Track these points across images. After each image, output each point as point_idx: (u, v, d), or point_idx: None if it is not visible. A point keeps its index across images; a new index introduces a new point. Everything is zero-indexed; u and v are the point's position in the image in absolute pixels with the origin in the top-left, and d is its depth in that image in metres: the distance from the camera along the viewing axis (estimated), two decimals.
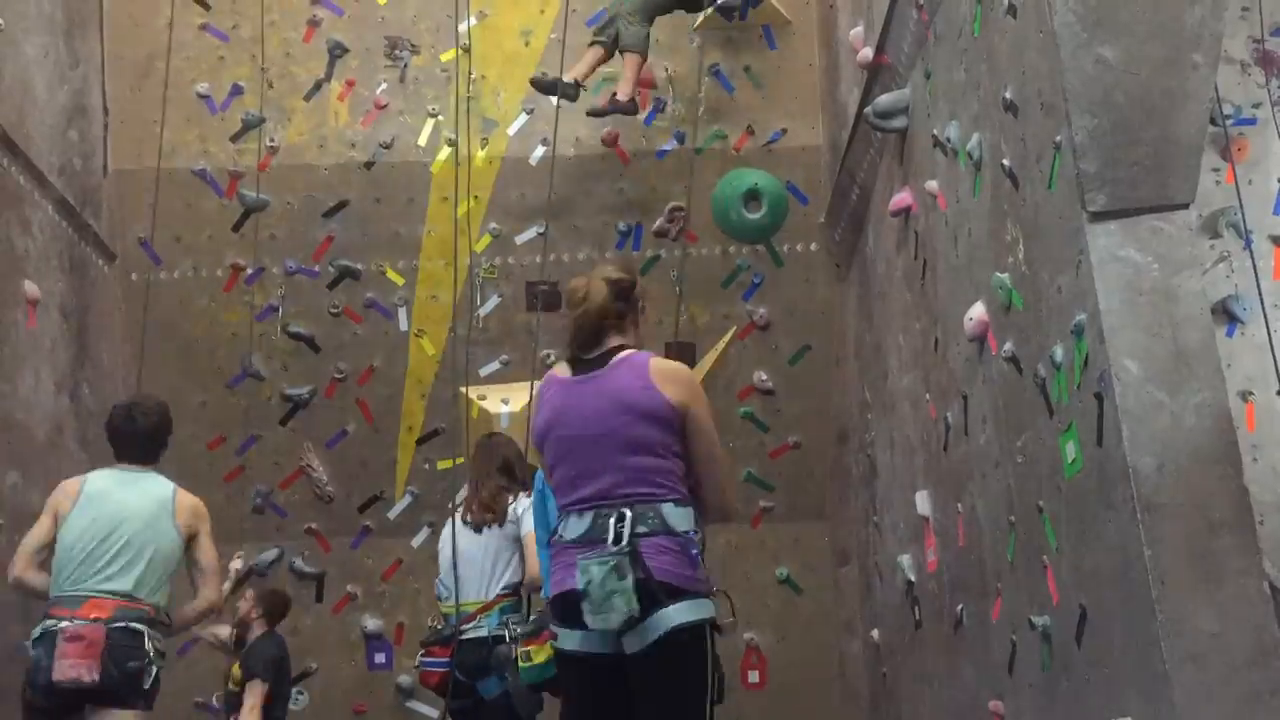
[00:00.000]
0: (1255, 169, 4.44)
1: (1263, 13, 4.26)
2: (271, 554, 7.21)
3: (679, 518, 3.25)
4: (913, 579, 5.37)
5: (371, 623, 7.25)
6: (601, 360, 3.38)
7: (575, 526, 3.29)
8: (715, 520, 3.46)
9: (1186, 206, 3.31)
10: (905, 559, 5.46)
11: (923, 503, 5.09)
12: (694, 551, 3.25)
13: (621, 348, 3.40)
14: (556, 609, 3.39)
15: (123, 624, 4.31)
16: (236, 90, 7.41)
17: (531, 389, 5.74)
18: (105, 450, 4.89)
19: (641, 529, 3.20)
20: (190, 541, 4.60)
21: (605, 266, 3.57)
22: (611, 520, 3.21)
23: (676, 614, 3.19)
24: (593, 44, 6.92)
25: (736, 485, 3.55)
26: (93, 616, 4.28)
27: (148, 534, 4.44)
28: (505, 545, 5.13)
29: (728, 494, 3.42)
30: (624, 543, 3.17)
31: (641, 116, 7.31)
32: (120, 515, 4.43)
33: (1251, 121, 4.40)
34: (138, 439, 4.62)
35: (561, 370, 3.48)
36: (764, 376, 7.41)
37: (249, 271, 7.35)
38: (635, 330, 3.49)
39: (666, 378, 3.32)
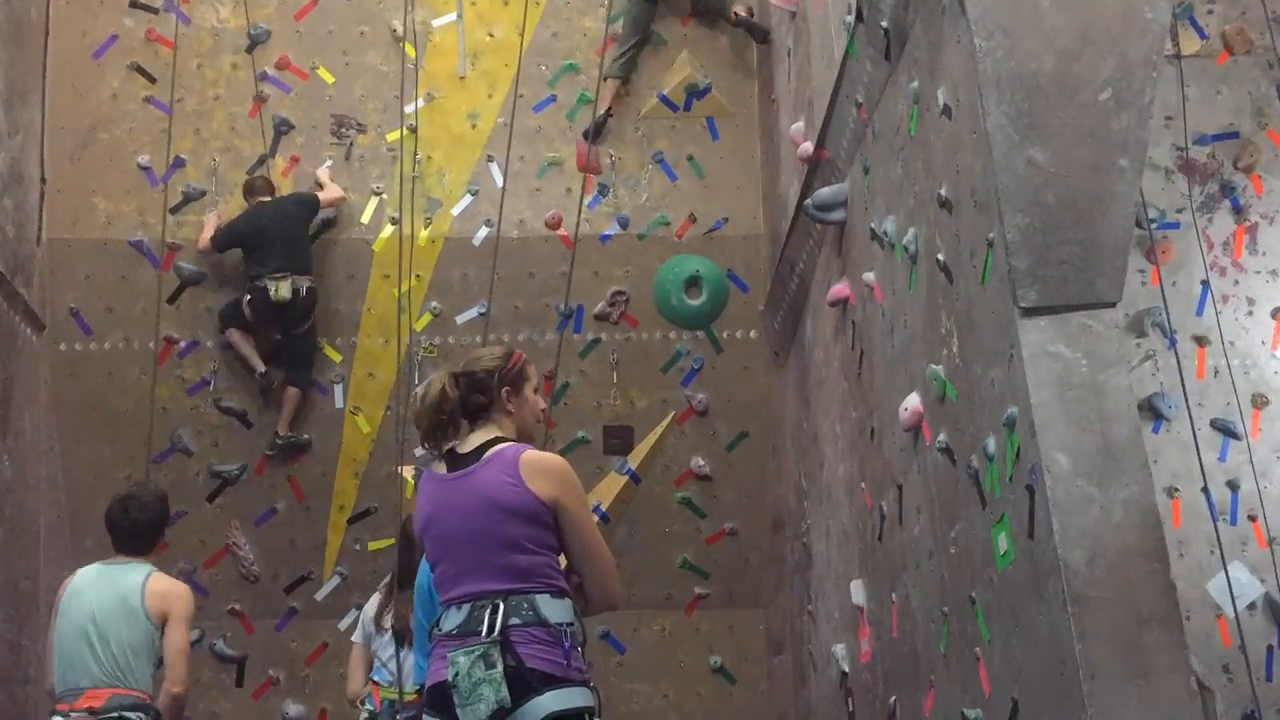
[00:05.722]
0: (1179, 271, 4.59)
1: (1186, 122, 4.44)
2: (192, 635, 6.96)
3: (554, 610, 3.24)
4: (847, 670, 5.33)
5: (294, 709, 7.04)
6: (475, 455, 3.35)
7: (453, 619, 3.29)
8: (600, 610, 3.44)
9: (1114, 305, 3.40)
10: (840, 649, 5.43)
11: (858, 592, 5.08)
12: (568, 643, 3.23)
13: (496, 440, 3.37)
14: (429, 700, 3.34)
15: (115, 712, 4.50)
16: (178, 163, 7.36)
17: None
18: (22, 526, 4.77)
19: (515, 620, 3.20)
20: (163, 626, 4.71)
21: (477, 352, 3.50)
22: (486, 612, 3.21)
23: (550, 702, 3.15)
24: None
25: (619, 576, 3.49)
26: (86, 707, 4.48)
27: (116, 630, 4.58)
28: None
29: (610, 584, 3.39)
30: (495, 633, 3.17)
31: (587, 200, 7.40)
32: (89, 615, 4.58)
33: (1175, 225, 4.56)
34: (129, 532, 4.71)
35: (438, 466, 3.46)
36: (701, 462, 7.41)
37: (182, 345, 7.24)
38: (510, 417, 3.42)
39: (536, 473, 3.29)
